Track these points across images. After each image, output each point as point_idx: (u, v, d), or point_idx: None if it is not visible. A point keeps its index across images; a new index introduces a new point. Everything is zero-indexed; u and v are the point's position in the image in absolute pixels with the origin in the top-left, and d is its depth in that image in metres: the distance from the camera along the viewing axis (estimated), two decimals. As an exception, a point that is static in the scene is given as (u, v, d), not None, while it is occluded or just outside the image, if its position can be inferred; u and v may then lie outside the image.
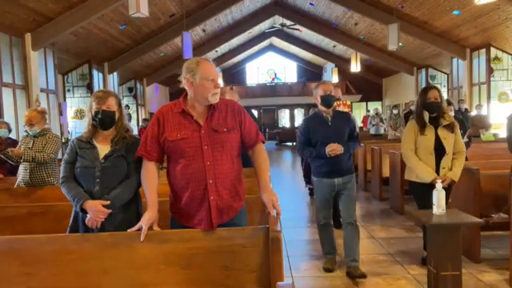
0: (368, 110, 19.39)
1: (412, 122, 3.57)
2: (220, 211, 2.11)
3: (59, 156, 4.11)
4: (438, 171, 3.40)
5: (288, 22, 16.64)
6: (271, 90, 23.15)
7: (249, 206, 2.44)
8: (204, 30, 13.94)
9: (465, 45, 11.66)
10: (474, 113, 10.10)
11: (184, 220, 2.16)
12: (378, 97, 20.58)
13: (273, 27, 18.31)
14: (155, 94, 17.47)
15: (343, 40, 15.22)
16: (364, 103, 21.11)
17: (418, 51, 13.71)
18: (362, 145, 7.48)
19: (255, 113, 7.72)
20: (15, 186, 3.81)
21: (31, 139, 3.79)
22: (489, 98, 11.15)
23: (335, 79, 18.51)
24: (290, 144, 21.38)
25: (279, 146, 21.02)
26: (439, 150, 3.41)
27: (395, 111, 10.39)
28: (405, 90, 16.95)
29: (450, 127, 3.44)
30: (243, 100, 7.32)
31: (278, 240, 1.95)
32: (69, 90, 11.32)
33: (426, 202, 3.16)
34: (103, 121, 2.34)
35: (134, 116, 14.51)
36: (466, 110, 9.50)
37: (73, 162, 2.35)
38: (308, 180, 6.82)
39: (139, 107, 15.20)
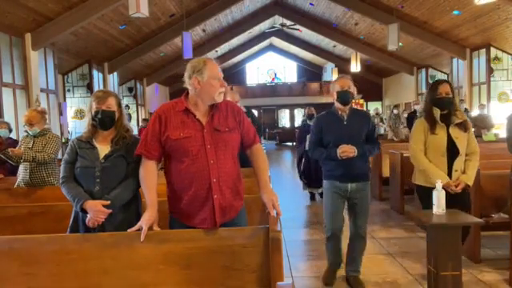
0: (368, 110, 19.39)
1: (421, 120, 3.19)
2: (223, 210, 2.12)
3: (59, 156, 4.11)
4: (449, 174, 3.08)
5: (288, 22, 16.64)
6: (271, 89, 23.16)
7: (249, 206, 2.44)
8: (204, 30, 13.94)
9: (465, 45, 11.67)
10: (476, 112, 10.09)
11: (185, 219, 2.16)
12: (378, 97, 20.60)
13: (273, 27, 18.31)
14: (155, 94, 17.48)
15: (343, 40, 15.23)
16: (364, 103, 21.12)
17: (418, 51, 13.72)
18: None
19: (255, 113, 7.70)
20: (15, 186, 3.81)
21: (31, 139, 3.79)
22: (489, 98, 11.15)
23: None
24: (289, 144, 21.38)
25: (279, 146, 21.02)
26: (451, 151, 3.07)
27: (395, 111, 10.37)
28: (405, 90, 16.96)
29: (462, 125, 3.09)
30: (243, 100, 7.31)
31: (277, 240, 1.95)
32: (69, 90, 11.32)
33: None
34: (103, 121, 2.34)
35: (133, 116, 14.51)
36: (465, 109, 9.50)
37: (73, 162, 2.35)
38: (308, 182, 6.63)
39: (139, 107, 15.20)
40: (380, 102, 20.29)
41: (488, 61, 11.09)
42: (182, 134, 2.09)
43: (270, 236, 1.98)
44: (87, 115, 2.40)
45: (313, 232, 5.04)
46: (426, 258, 2.79)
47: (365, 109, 20.79)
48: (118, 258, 2.01)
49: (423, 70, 15.08)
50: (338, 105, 3.18)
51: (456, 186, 3.01)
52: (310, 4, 13.64)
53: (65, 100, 10.96)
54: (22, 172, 3.78)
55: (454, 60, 12.79)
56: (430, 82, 14.53)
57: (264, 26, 17.97)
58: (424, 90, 14.88)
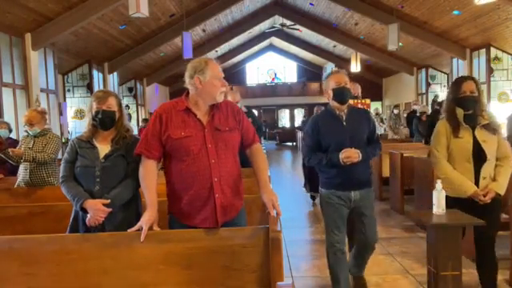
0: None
1: (442, 121, 2.82)
2: (224, 209, 2.12)
3: (59, 156, 4.11)
4: (476, 182, 2.72)
5: (288, 22, 16.63)
6: (271, 89, 23.17)
7: (249, 206, 2.45)
8: (204, 30, 13.93)
9: (465, 45, 11.66)
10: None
11: (185, 219, 2.16)
12: (378, 97, 20.57)
13: (273, 27, 18.30)
14: (155, 94, 17.47)
15: (343, 40, 15.22)
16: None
17: (418, 51, 13.71)
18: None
19: (255, 113, 7.70)
20: (15, 186, 3.81)
21: (31, 139, 3.79)
22: (489, 98, 11.14)
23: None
24: (289, 144, 21.39)
25: (279, 146, 21.03)
26: (478, 156, 2.70)
27: (396, 111, 10.37)
28: (405, 90, 16.96)
29: (490, 127, 2.72)
30: (243, 100, 7.31)
31: (277, 240, 1.96)
32: (69, 90, 11.31)
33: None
34: (103, 121, 2.34)
35: (134, 116, 14.50)
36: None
37: (73, 162, 2.35)
38: (312, 187, 6.29)
39: (139, 107, 15.19)
40: (380, 102, 20.27)
41: (488, 61, 11.09)
42: (184, 133, 2.10)
43: (270, 236, 1.98)
44: (87, 115, 2.40)
45: (313, 232, 5.04)
46: (426, 257, 2.78)
47: (370, 109, 20.81)
48: (118, 258, 2.01)
49: (423, 70, 15.07)
50: (334, 104, 2.85)
51: (485, 196, 2.67)
52: (310, 4, 13.64)
53: (65, 100, 10.95)
54: (22, 172, 3.79)
55: (454, 60, 12.78)
56: (430, 82, 14.59)
57: (264, 26, 17.96)
58: (424, 90, 14.88)
